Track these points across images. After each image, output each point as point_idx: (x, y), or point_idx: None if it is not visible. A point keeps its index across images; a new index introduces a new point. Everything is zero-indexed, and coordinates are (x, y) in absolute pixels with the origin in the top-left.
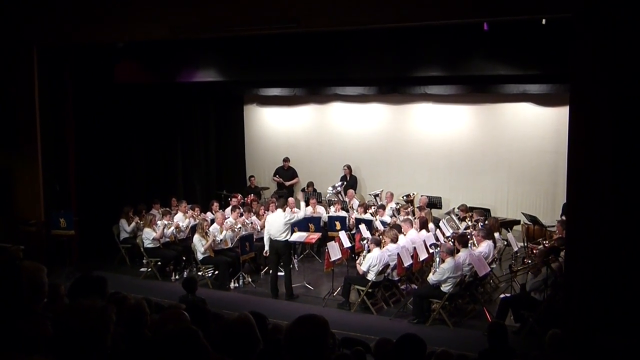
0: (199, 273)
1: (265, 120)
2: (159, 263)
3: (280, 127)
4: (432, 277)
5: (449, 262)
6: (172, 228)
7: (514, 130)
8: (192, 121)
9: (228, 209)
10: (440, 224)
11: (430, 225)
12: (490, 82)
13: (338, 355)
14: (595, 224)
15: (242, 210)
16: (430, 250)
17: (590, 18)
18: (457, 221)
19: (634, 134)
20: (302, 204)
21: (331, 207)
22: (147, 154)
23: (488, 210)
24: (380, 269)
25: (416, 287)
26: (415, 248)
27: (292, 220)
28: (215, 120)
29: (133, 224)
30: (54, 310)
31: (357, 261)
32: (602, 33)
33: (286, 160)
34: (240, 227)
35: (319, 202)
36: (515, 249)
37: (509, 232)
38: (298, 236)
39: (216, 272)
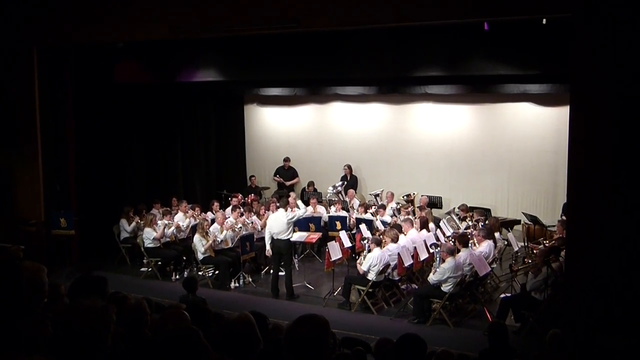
0: (200, 273)
1: (265, 120)
2: (160, 263)
3: (280, 127)
4: (432, 277)
5: (450, 261)
6: (173, 228)
7: (514, 130)
8: (192, 121)
9: (228, 209)
10: (441, 223)
11: (431, 225)
12: (490, 82)
13: (338, 355)
14: (595, 224)
15: (242, 210)
16: (431, 250)
17: (590, 18)
18: (457, 221)
19: (634, 134)
20: (299, 202)
21: (332, 206)
22: (147, 154)
23: (488, 210)
24: (381, 268)
25: (417, 287)
26: (415, 248)
27: (294, 219)
28: (216, 120)
29: (133, 223)
30: (54, 310)
31: (358, 261)
32: (602, 33)
33: (287, 160)
34: (240, 227)
35: (320, 202)
36: (516, 248)
37: (509, 231)
38: (299, 236)
39: (216, 272)
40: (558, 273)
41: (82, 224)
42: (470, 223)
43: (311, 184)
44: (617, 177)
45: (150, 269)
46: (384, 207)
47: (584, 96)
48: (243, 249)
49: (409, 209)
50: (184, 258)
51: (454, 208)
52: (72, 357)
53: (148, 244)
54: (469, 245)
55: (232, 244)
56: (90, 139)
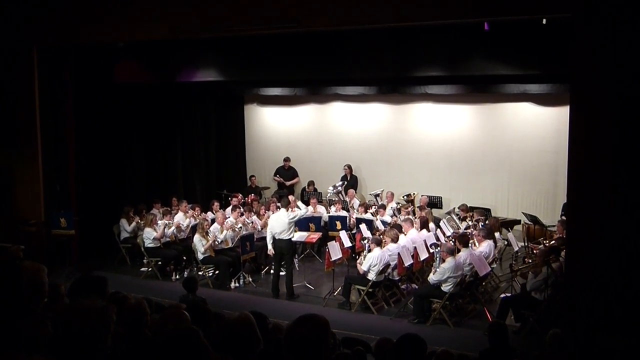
0: (200, 273)
1: (265, 120)
2: (160, 263)
3: (280, 127)
4: (432, 277)
5: (450, 261)
6: (173, 228)
7: (514, 130)
8: (192, 121)
9: (228, 209)
10: (441, 223)
11: (431, 225)
12: (490, 82)
13: (338, 354)
14: (595, 224)
15: (242, 210)
16: (431, 250)
17: (590, 18)
18: (457, 221)
19: (634, 134)
20: (299, 203)
21: (332, 206)
22: (147, 154)
23: (488, 210)
24: (381, 268)
25: (417, 286)
26: (415, 248)
27: (295, 219)
28: (216, 120)
29: (134, 223)
30: (54, 310)
31: (358, 261)
32: (602, 33)
33: (287, 160)
34: (240, 227)
35: (320, 202)
36: (516, 248)
37: (509, 231)
38: (299, 236)
39: (217, 271)
40: (558, 273)
41: (82, 224)
42: (470, 223)
43: (311, 183)
44: (617, 177)
45: (150, 269)
46: (384, 207)
47: (584, 96)
48: (243, 249)
49: (409, 208)
50: (184, 258)
51: (454, 208)
52: (72, 357)
53: (148, 243)
54: (469, 245)
55: (232, 243)
56: (90, 139)
